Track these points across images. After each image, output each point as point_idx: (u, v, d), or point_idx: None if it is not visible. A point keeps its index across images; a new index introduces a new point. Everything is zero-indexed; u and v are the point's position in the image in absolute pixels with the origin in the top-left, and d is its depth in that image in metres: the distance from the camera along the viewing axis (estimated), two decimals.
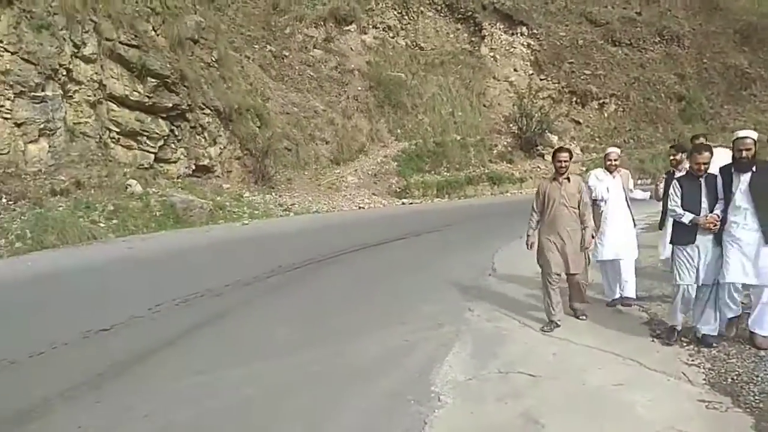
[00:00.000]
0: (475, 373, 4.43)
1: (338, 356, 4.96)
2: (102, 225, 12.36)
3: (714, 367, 4.32)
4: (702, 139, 6.08)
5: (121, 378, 4.66)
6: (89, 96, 14.28)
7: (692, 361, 4.48)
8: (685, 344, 4.80)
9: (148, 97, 15.41)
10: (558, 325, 5.38)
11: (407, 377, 4.44)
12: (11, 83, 12.38)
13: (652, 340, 5.07)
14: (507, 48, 28.25)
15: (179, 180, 16.35)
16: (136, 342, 5.57)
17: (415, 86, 25.52)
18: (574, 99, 27.41)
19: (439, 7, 28.44)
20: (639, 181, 6.35)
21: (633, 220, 6.14)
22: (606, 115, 27.22)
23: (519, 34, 28.45)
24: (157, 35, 16.28)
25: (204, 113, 17.39)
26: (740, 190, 4.54)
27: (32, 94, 12.72)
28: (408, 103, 24.89)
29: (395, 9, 27.76)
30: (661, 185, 6.09)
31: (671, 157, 6.04)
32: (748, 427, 3.41)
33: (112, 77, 14.76)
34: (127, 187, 14.02)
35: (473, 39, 28.41)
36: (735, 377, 4.10)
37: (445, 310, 6.26)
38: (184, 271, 9.12)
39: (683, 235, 4.82)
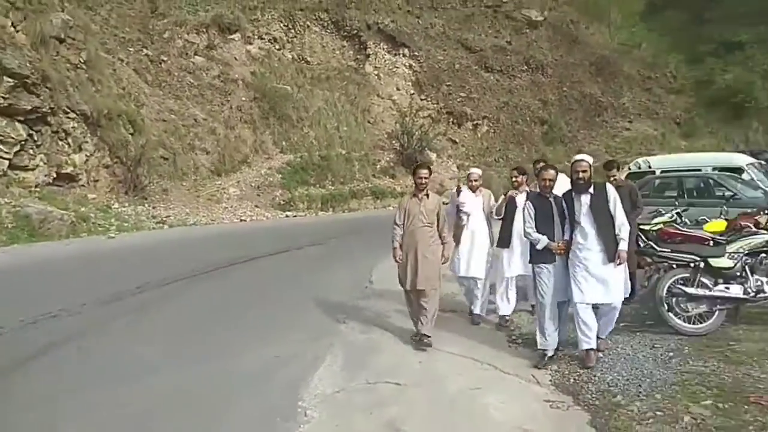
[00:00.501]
0: (343, 385, 4.55)
1: (206, 376, 4.83)
2: None
3: (559, 369, 4.81)
4: (541, 164, 6.65)
5: None
6: None
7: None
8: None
9: (3, 98, 13.93)
10: (426, 340, 5.44)
11: (276, 394, 4.45)
12: None
13: (510, 345, 5.53)
14: (390, 67, 29.20)
15: (37, 189, 14.91)
16: None
17: (301, 99, 25.49)
18: (451, 119, 28.92)
19: (326, 24, 28.77)
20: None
21: (491, 239, 6.31)
22: (479, 135, 29.02)
23: (401, 55, 29.54)
24: (17, 32, 14.80)
25: (68, 117, 16.04)
26: (582, 213, 4.75)
27: None
28: (294, 115, 24.79)
29: (281, 21, 27.65)
30: (502, 205, 6.21)
31: (513, 179, 6.17)
32: (585, 423, 3.84)
33: None
34: None
35: (358, 57, 29.04)
36: (576, 378, 4.59)
37: (319, 324, 6.35)
38: (36, 288, 8.33)
39: (541, 254, 4.95)
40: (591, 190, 4.76)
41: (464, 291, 6.54)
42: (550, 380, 4.60)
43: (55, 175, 15.66)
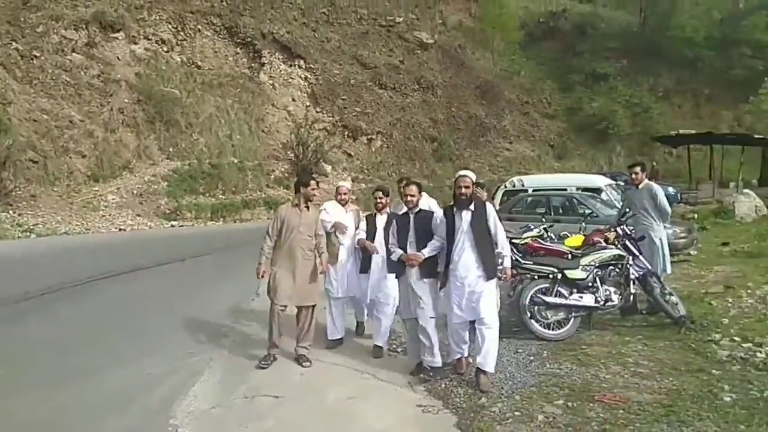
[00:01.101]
0: (220, 401, 4.48)
1: (70, 398, 4.52)
2: None
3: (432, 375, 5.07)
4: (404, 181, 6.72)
5: None
6: None
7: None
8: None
9: None
10: (275, 359, 5.29)
11: (147, 413, 4.29)
12: None
13: (390, 354, 5.74)
14: (286, 78, 29.06)
15: None
16: None
17: (190, 105, 24.56)
18: (347, 133, 29.33)
19: (218, 29, 28.03)
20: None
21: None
22: (373, 149, 29.69)
23: (297, 66, 29.52)
24: None
25: None
26: (462, 230, 4.73)
27: None
28: (182, 121, 23.79)
29: (170, 23, 26.52)
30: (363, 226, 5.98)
31: (377, 200, 5.96)
32: (452, 425, 4.09)
33: None
34: None
35: (253, 65, 28.58)
36: (447, 383, 4.88)
37: (200, 338, 6.18)
38: None
39: (393, 265, 5.12)
40: (471, 207, 4.77)
41: (334, 311, 6.01)
42: (424, 387, 4.84)
43: None
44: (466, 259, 4.70)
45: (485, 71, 35.95)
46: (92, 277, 9.49)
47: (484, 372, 4.66)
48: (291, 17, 30.79)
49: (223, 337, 6.24)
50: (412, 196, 5.02)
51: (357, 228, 5.97)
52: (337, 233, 5.91)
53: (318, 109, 29.28)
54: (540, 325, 5.91)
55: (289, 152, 25.81)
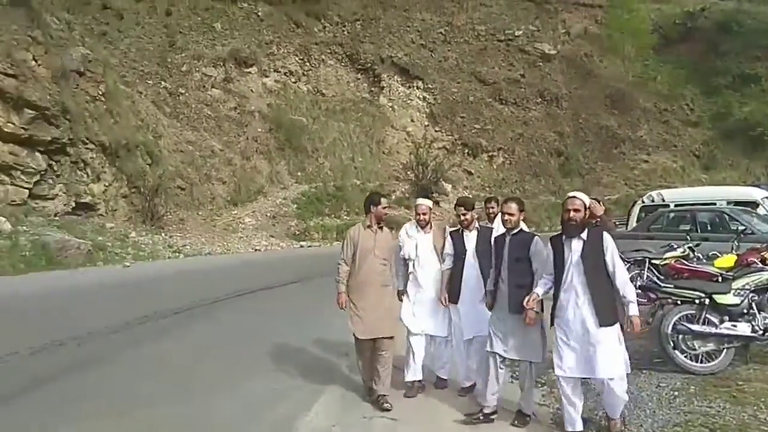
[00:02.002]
0: (339, 420, 4.50)
1: (202, 409, 4.80)
2: None
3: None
4: (491, 201, 5.70)
5: None
6: None
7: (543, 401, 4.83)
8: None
9: (24, 129, 14.44)
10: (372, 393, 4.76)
11: (273, 426, 4.41)
12: None
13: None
14: (404, 99, 29.61)
15: (56, 218, 15.26)
16: None
17: (316, 131, 25.92)
18: (466, 150, 29.07)
19: (340, 57, 29.38)
20: None
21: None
22: (495, 166, 29.09)
23: (415, 87, 29.96)
24: (38, 65, 15.39)
25: (87, 148, 16.50)
26: (571, 262, 3.95)
27: None
28: (309, 146, 25.19)
29: (297, 55, 28.31)
30: (448, 243, 5.06)
31: (461, 216, 5.00)
32: None
33: None
34: None
35: (373, 89, 29.51)
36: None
37: (320, 358, 6.31)
38: (46, 316, 8.43)
39: (490, 297, 4.47)
40: (584, 235, 3.96)
41: (414, 353, 5.08)
42: (551, 420, 4.48)
43: (74, 204, 16.06)
44: (575, 299, 3.90)
45: (615, 79, 33.80)
46: (228, 294, 10.20)
47: (612, 418, 4.03)
48: (409, 40, 31.41)
49: (344, 356, 6.30)
50: (511, 215, 4.31)
51: (442, 250, 5.06)
52: (406, 259, 5.14)
53: (437, 129, 29.40)
54: (686, 356, 5.23)
55: (409, 172, 26.12)
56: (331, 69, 29.22)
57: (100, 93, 17.94)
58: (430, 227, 5.19)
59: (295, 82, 27.79)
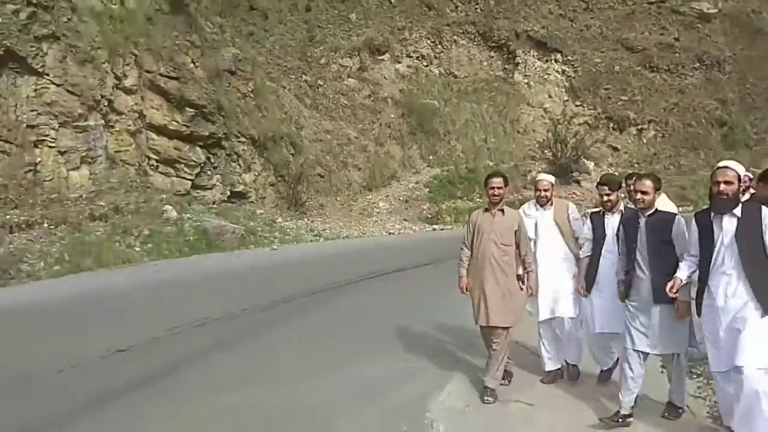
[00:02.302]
0: (472, 401, 4.39)
1: (340, 380, 5.00)
2: (137, 249, 12.82)
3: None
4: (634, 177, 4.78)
5: (127, 399, 4.81)
6: (129, 125, 15.01)
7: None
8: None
9: (185, 126, 16.06)
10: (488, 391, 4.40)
11: (403, 404, 4.44)
12: (56, 114, 13.17)
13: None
14: (541, 75, 28.18)
15: (214, 206, 16.85)
16: (149, 363, 5.74)
17: (448, 113, 25.70)
18: (611, 125, 26.95)
19: (472, 36, 28.71)
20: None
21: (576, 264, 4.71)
22: (644, 141, 26.64)
23: (553, 61, 28.36)
24: (196, 67, 17.01)
25: (239, 141, 17.95)
26: (722, 243, 3.40)
27: (75, 124, 13.47)
28: (441, 129, 25.08)
29: (428, 38, 28.18)
30: (587, 227, 4.64)
31: (604, 197, 4.48)
32: None
33: (152, 107, 15.47)
34: (163, 213, 14.52)
35: (507, 66, 28.49)
36: None
37: (455, 338, 6.22)
38: (206, 294, 9.36)
39: (625, 287, 4.00)
40: (737, 211, 3.38)
41: (545, 341, 4.84)
42: (708, 413, 4.00)
43: (228, 193, 17.59)
44: (727, 284, 3.37)
45: None
46: (363, 276, 10.53)
47: None
48: (546, 11, 29.74)
49: (474, 338, 6.15)
50: (645, 193, 3.80)
51: (569, 233, 4.69)
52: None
53: (577, 103, 27.61)
54: None
55: (546, 151, 24.88)
56: (463, 49, 28.69)
57: (249, 90, 19.38)
58: (551, 204, 4.81)
59: (426, 66, 27.75)
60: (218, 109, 17.00)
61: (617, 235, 4.19)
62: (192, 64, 16.82)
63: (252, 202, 18.43)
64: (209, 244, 14.41)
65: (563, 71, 28.32)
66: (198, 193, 16.72)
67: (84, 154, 13.69)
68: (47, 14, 13.33)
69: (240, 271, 11.76)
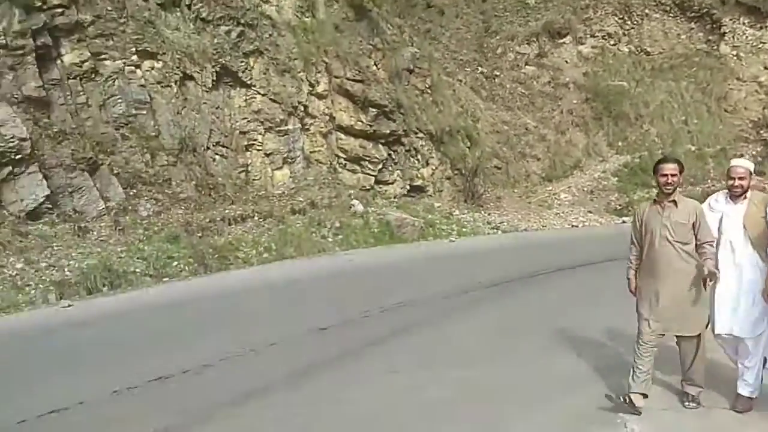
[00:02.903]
0: (672, 405, 4.08)
1: (526, 371, 5.00)
2: (330, 240, 14.05)
3: None
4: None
5: (328, 371, 5.37)
6: (322, 128, 16.45)
7: None
8: None
9: (369, 125, 17.10)
10: (635, 406, 3.90)
11: (593, 400, 4.28)
12: (262, 120, 14.99)
13: None
14: (754, 44, 24.33)
15: (395, 199, 17.70)
16: (345, 342, 6.33)
17: (639, 94, 23.59)
18: None
19: (668, 8, 25.86)
20: None
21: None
22: None
23: None
24: (378, 69, 17.99)
25: (417, 137, 18.57)
26: None
27: (278, 128, 15.20)
28: (631, 113, 23.13)
29: (616, 15, 26.08)
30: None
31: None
32: None
33: (340, 110, 16.75)
34: (350, 207, 15.68)
35: (710, 38, 25.15)
36: None
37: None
38: (392, 282, 9.92)
39: None
40: None
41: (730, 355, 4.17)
42: None
43: (408, 187, 18.33)
44: None
45: None
46: (543, 270, 10.25)
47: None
48: None
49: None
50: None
51: (761, 237, 3.81)
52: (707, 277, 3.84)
53: None
54: None
55: (762, 131, 21.54)
56: (657, 23, 25.99)
57: (427, 86, 19.92)
58: (745, 197, 3.90)
59: (614, 45, 25.73)
60: (398, 107, 17.77)
61: None
62: (374, 66, 17.82)
63: (429, 195, 18.94)
64: (392, 235, 15.20)
65: None
66: (381, 188, 17.70)
67: (285, 155, 15.38)
68: (253, 32, 15.19)
69: (421, 261, 12.25)
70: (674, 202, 3.92)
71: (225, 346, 6.10)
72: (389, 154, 17.81)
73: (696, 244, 3.87)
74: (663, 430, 3.82)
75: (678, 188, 3.94)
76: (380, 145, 17.52)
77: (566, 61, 24.65)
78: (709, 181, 20.25)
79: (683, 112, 23.06)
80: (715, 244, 3.95)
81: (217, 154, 14.08)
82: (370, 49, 18.01)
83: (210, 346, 6.22)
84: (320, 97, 16.43)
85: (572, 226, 18.04)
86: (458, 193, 19.40)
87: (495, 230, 17.17)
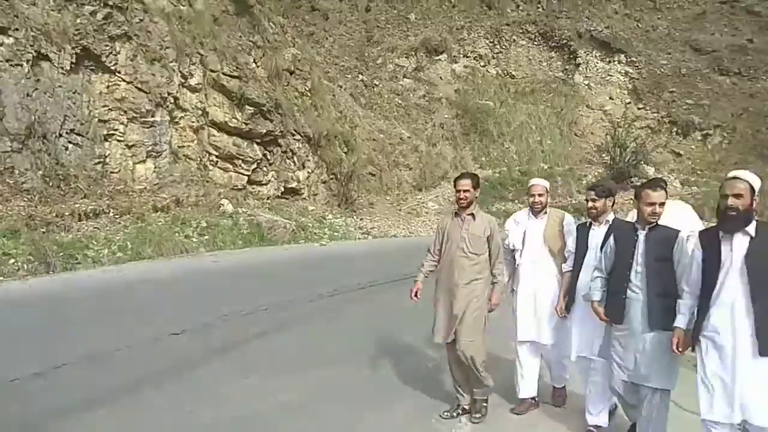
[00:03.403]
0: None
1: (385, 369, 5.26)
2: (194, 240, 13.47)
3: None
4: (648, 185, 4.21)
5: (177, 377, 5.19)
6: (193, 122, 15.76)
7: None
8: None
9: (245, 123, 16.70)
10: (465, 410, 4.25)
11: (438, 396, 4.66)
12: (125, 109, 14.01)
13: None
14: (603, 76, 27.51)
15: (268, 201, 17.44)
16: (199, 347, 6.13)
17: (503, 114, 25.53)
18: (675, 129, 26.02)
19: (533, 36, 28.35)
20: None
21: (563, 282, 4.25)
22: (710, 147, 25.53)
23: (616, 62, 27.63)
24: (257, 67, 17.65)
25: (295, 139, 18.49)
26: (731, 266, 2.91)
27: (143, 119, 14.29)
28: (495, 131, 24.93)
29: (487, 38, 28.05)
30: (571, 240, 4.23)
31: (589, 203, 4.10)
32: None
33: (214, 105, 16.17)
34: (220, 206, 15.19)
35: (567, 67, 27.98)
36: None
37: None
38: (256, 285, 9.77)
39: (613, 309, 3.60)
40: (751, 230, 2.90)
41: (521, 363, 4.47)
42: None
43: (282, 189, 18.16)
44: (731, 315, 2.89)
45: None
46: (409, 274, 10.67)
47: None
48: (611, 11, 29.05)
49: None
50: (662, 205, 3.38)
51: (558, 244, 4.27)
52: (513, 250, 4.44)
53: (640, 106, 26.80)
54: None
55: (604, 155, 24.30)
56: (523, 49, 28.38)
57: (307, 89, 19.92)
58: (545, 213, 4.37)
59: (483, 66, 27.63)
60: (276, 107, 17.57)
61: (602, 250, 3.74)
62: (254, 64, 17.46)
63: (304, 198, 18.95)
64: (262, 237, 14.95)
65: (626, 72, 27.57)
66: (253, 188, 17.36)
67: (150, 148, 14.50)
68: (121, 15, 14.16)
69: (289, 264, 12.19)
70: (472, 215, 4.17)
71: (59, 355, 5.63)
72: (264, 155, 17.53)
73: (491, 262, 4.16)
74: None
75: (474, 202, 4.18)
76: (255, 145, 17.18)
77: (441, 77, 25.98)
78: (557, 197, 22.42)
79: (539, 133, 25.33)
80: (518, 255, 4.42)
81: (70, 142, 12.90)
82: (250, 45, 17.61)
83: (40, 354, 5.71)
84: (193, 90, 15.74)
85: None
86: (332, 198, 19.60)
87: (366, 235, 17.58)
